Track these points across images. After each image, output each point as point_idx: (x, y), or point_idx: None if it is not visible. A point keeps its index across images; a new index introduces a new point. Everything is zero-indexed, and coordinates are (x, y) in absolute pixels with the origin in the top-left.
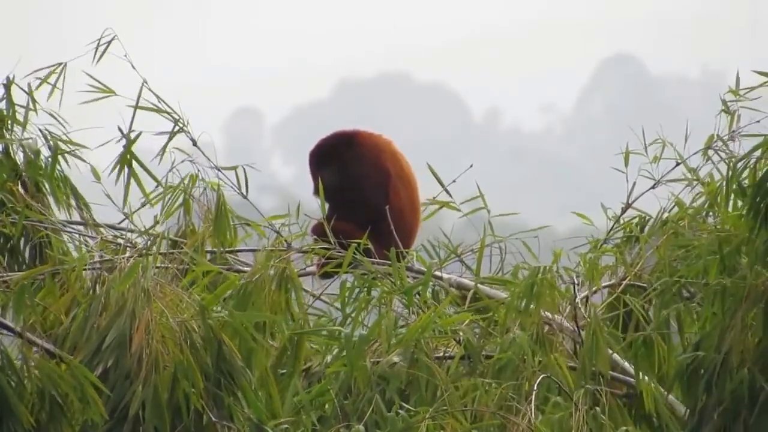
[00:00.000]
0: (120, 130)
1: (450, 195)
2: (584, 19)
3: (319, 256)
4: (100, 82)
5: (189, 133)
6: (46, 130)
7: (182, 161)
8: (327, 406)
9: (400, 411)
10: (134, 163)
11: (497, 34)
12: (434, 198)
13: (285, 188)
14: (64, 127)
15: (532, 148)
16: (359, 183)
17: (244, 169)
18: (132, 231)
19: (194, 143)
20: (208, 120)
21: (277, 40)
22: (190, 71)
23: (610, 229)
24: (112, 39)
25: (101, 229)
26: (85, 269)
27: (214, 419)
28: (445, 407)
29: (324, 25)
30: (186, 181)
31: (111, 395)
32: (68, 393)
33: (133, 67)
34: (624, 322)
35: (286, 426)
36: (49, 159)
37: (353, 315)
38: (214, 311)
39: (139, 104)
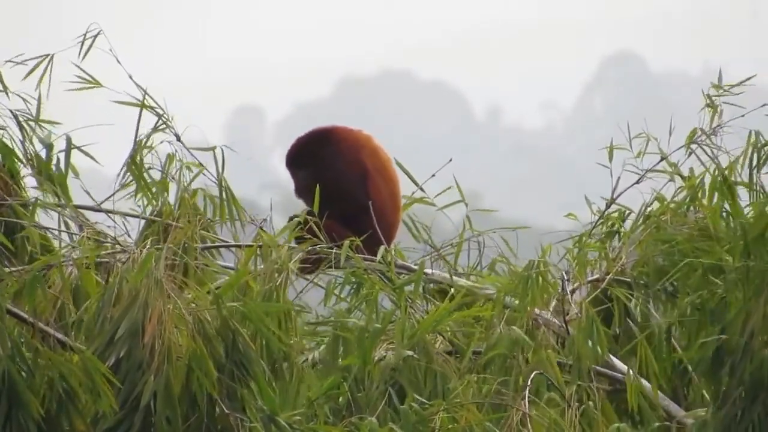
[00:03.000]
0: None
1: (424, 192)
2: (585, 17)
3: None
4: (87, 73)
5: (173, 128)
6: (17, 111)
7: (161, 142)
8: (341, 399)
9: (413, 404)
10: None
11: (499, 31)
12: (412, 195)
13: (286, 186)
14: (28, 107)
15: (534, 146)
16: (337, 178)
17: (222, 149)
18: (116, 213)
19: (178, 138)
20: (209, 117)
21: (278, 37)
22: (191, 69)
23: (595, 225)
24: (98, 34)
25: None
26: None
27: (226, 411)
28: (458, 400)
29: (325, 22)
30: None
31: (122, 386)
32: (79, 383)
33: (118, 62)
34: (610, 316)
35: (298, 418)
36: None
37: (362, 308)
38: (228, 302)
39: (128, 99)
